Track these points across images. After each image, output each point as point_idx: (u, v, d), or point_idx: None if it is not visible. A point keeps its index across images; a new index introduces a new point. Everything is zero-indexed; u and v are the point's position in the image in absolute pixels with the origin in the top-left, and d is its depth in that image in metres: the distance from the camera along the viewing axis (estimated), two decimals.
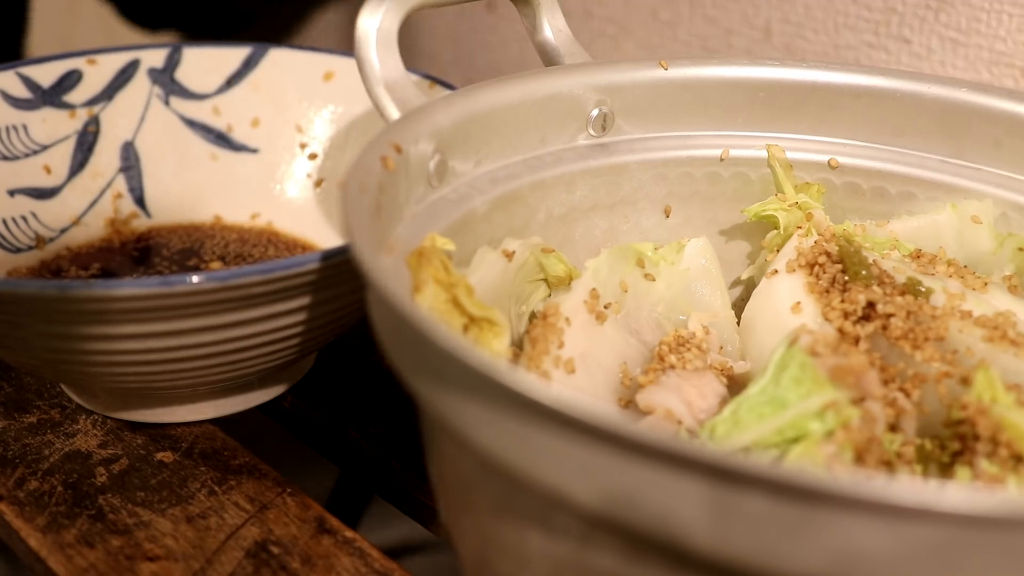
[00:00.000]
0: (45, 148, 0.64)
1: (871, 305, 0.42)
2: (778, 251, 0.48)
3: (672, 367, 0.42)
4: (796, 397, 0.34)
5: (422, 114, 0.41)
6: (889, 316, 0.41)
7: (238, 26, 0.97)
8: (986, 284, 0.43)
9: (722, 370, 0.43)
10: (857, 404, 0.35)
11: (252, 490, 0.49)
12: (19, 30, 1.00)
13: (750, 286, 0.50)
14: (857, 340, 0.41)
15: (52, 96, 0.64)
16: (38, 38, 1.18)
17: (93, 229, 0.65)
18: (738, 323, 0.47)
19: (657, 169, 0.49)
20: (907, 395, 0.39)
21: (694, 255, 0.48)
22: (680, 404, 0.39)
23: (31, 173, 0.63)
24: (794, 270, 0.44)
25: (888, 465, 0.35)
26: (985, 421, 0.35)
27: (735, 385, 0.43)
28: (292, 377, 0.57)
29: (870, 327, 0.41)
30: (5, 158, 0.62)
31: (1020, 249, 0.46)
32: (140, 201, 0.66)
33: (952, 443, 0.36)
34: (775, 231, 0.48)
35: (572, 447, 0.26)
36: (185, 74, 0.68)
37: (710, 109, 0.49)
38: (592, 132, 0.48)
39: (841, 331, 0.41)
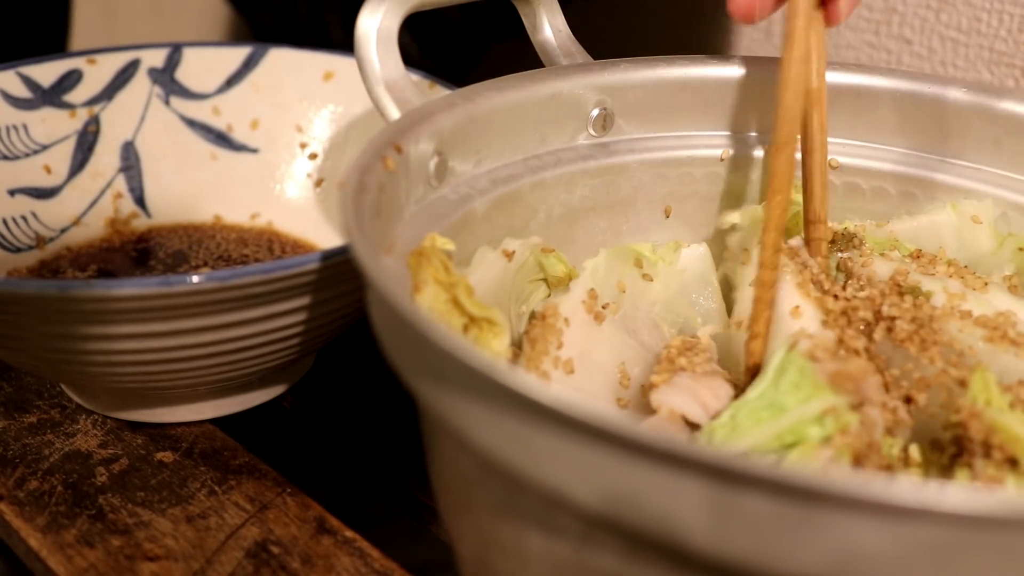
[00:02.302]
0: (45, 148, 0.64)
1: (873, 308, 0.42)
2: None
3: (683, 369, 0.42)
4: (795, 402, 0.34)
5: (422, 114, 0.41)
6: (894, 319, 0.41)
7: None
8: (986, 284, 0.43)
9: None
10: (856, 409, 0.35)
11: (252, 490, 0.49)
12: (64, 21, 0.99)
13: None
14: (866, 343, 0.40)
15: (52, 96, 0.64)
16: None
17: (93, 229, 0.65)
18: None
19: (657, 169, 0.49)
20: (910, 401, 0.38)
21: (693, 261, 0.48)
22: (695, 405, 0.39)
23: (31, 173, 0.63)
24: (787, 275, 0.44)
25: (887, 469, 0.35)
26: (977, 424, 0.35)
27: (739, 392, 0.42)
28: (292, 377, 0.57)
29: (877, 330, 0.41)
30: (5, 158, 0.62)
31: (1020, 249, 0.46)
32: (140, 201, 0.66)
33: (950, 446, 0.36)
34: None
35: (572, 447, 0.26)
36: (185, 74, 0.68)
37: (710, 109, 0.49)
38: (592, 132, 0.48)
39: (842, 339, 0.41)
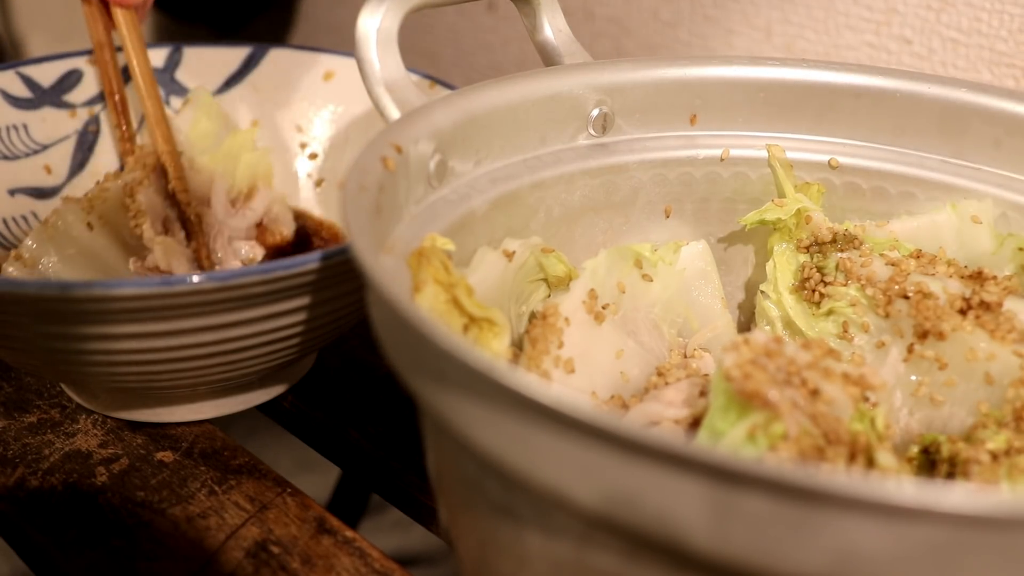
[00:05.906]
0: (45, 148, 0.64)
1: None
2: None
3: (696, 372, 0.42)
4: (727, 426, 0.33)
5: (422, 114, 0.41)
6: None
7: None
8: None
9: None
10: (776, 421, 0.33)
11: (252, 490, 0.49)
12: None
13: (752, 289, 0.50)
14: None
15: (52, 96, 0.64)
16: (38, 38, 1.17)
17: None
18: (749, 327, 0.47)
19: (657, 169, 0.49)
20: (813, 393, 0.35)
21: (692, 258, 0.48)
22: (663, 405, 0.39)
23: (31, 173, 0.63)
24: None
25: (864, 450, 0.34)
26: (925, 440, 0.35)
27: None
28: (292, 377, 0.57)
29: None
30: (5, 158, 0.62)
31: (1020, 249, 0.46)
32: None
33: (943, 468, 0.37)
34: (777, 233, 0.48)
35: (572, 447, 0.26)
36: (185, 74, 0.68)
37: (710, 109, 0.49)
38: (592, 132, 0.48)
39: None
